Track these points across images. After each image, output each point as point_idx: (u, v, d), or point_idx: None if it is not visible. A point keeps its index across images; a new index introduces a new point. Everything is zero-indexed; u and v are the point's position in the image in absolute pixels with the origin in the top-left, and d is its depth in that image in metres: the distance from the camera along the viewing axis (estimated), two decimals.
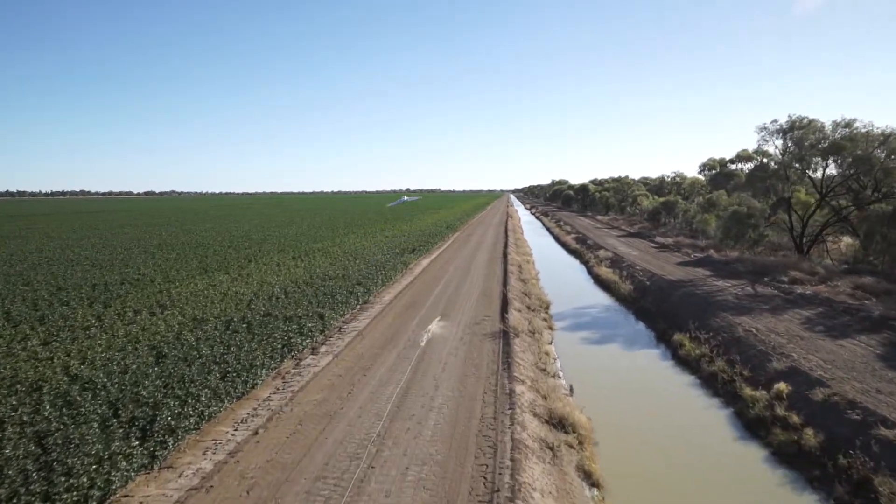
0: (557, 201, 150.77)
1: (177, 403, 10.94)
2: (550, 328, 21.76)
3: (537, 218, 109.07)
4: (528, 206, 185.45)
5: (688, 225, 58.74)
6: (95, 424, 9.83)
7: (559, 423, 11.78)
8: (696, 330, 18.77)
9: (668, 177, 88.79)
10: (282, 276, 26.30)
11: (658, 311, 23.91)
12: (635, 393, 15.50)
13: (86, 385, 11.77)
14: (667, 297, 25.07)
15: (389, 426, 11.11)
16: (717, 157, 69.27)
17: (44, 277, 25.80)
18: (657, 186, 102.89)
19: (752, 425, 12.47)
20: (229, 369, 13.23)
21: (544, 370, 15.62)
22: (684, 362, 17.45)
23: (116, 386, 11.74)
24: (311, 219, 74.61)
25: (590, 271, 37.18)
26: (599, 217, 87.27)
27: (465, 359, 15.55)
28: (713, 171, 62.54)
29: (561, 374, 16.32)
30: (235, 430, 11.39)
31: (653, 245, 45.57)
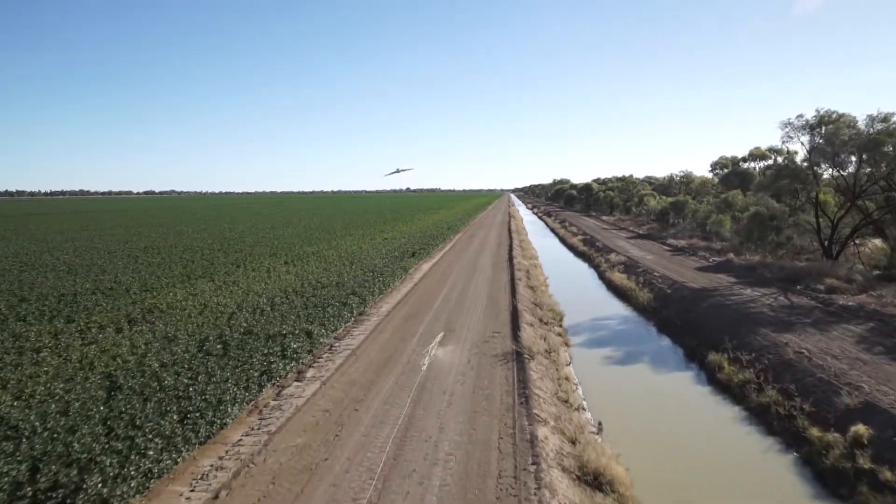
0: (560, 201, 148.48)
1: (115, 461, 8.72)
2: (566, 345, 19.51)
3: (540, 218, 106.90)
4: (529, 205, 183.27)
5: (700, 226, 56.41)
6: (3, 495, 7.61)
7: (594, 479, 9.54)
8: (735, 349, 16.52)
9: (676, 176, 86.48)
10: (270, 284, 24.04)
11: (683, 323, 21.66)
12: (674, 430, 13.24)
13: (9, 433, 9.52)
14: (692, 307, 22.82)
15: (384, 488, 8.87)
16: (728, 155, 67.09)
17: (9, 286, 23.54)
18: (664, 186, 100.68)
19: (828, 478, 10.23)
20: (191, 407, 10.99)
21: (567, 401, 13.38)
22: (725, 389, 15.20)
23: (48, 433, 9.51)
24: (308, 219, 72.34)
25: (601, 276, 34.92)
26: (605, 217, 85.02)
27: (473, 388, 13.32)
28: (725, 171, 60.23)
29: (585, 404, 14.08)
30: (192, 490, 9.16)
31: (666, 248, 43.32)
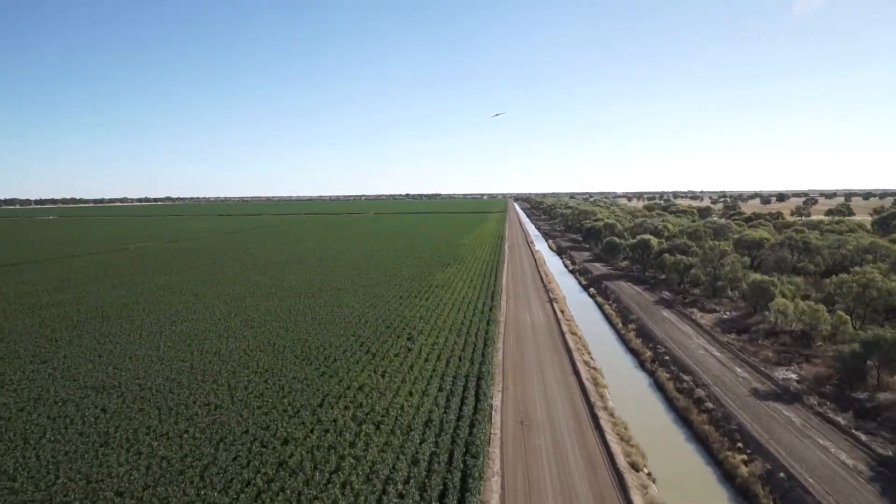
0: (594, 243, 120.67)
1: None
2: None
3: (585, 289, 79.00)
4: (548, 239, 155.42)
5: None
6: None
7: None
8: None
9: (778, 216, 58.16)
10: None
11: None
12: None
13: None
14: None
15: None
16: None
17: None
18: (751, 246, 73.64)
19: None
20: None
21: None
22: None
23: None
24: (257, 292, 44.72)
25: None
26: (698, 316, 57.00)
27: None
28: None
29: None
30: None
31: None
